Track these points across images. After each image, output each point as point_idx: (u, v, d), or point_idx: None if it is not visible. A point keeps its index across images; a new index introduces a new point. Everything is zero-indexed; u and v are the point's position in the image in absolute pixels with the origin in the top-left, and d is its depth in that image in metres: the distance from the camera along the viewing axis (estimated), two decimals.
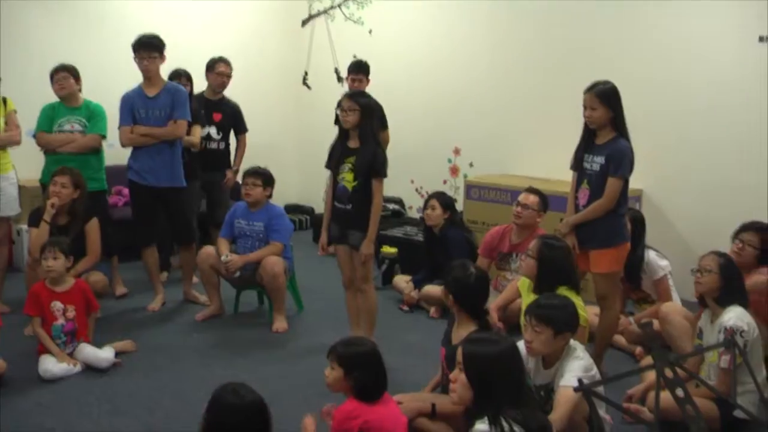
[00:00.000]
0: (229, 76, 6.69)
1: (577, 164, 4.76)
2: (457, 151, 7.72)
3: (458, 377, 2.87)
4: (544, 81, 7.07)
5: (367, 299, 4.95)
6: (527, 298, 4.27)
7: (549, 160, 6.98)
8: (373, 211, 4.69)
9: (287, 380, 4.62)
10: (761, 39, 5.93)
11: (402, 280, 6.25)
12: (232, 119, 6.75)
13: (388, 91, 6.94)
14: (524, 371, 3.00)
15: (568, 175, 6.64)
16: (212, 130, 6.61)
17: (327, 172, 7.22)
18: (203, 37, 7.77)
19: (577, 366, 3.41)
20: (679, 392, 4.10)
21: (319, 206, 8.24)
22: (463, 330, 3.79)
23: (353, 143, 4.75)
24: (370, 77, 6.97)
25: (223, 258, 5.45)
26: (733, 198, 6.09)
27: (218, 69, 6.61)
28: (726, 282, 4.03)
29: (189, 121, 5.71)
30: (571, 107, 6.82)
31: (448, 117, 7.64)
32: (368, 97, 4.76)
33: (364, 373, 3.15)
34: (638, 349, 5.04)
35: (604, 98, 4.55)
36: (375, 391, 3.17)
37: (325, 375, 3.24)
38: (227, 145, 6.74)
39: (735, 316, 3.94)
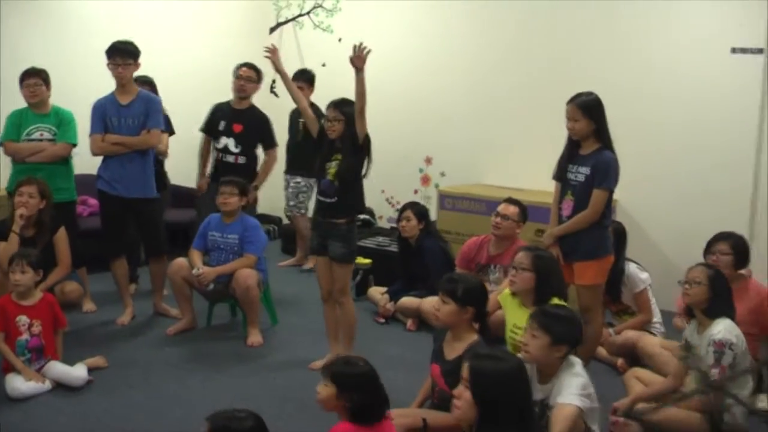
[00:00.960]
0: (250, 80, 6.25)
1: (561, 174, 4.72)
2: (428, 161, 7.67)
3: (462, 394, 2.78)
4: (518, 90, 7.08)
5: (345, 312, 4.86)
6: (515, 312, 4.21)
7: (523, 170, 6.99)
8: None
9: (266, 396, 4.49)
10: (733, 50, 6.00)
11: (377, 292, 6.16)
12: (256, 132, 6.25)
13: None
14: (530, 390, 2.92)
15: (542, 185, 6.70)
16: (230, 142, 6.17)
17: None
18: (169, 43, 7.62)
19: (576, 383, 3.35)
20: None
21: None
22: (460, 343, 3.71)
23: (339, 143, 4.68)
24: (331, 82, 6.82)
25: (194, 271, 5.31)
26: (709, 207, 6.16)
27: (238, 72, 6.29)
28: (715, 294, 4.02)
29: (164, 131, 5.54)
30: (546, 116, 6.85)
31: (420, 125, 7.58)
32: (352, 104, 4.66)
33: (360, 395, 3.03)
34: (620, 361, 5.01)
35: (586, 110, 4.52)
36: (372, 414, 3.06)
37: (317, 391, 3.13)
38: (249, 159, 6.23)
39: (724, 329, 3.94)
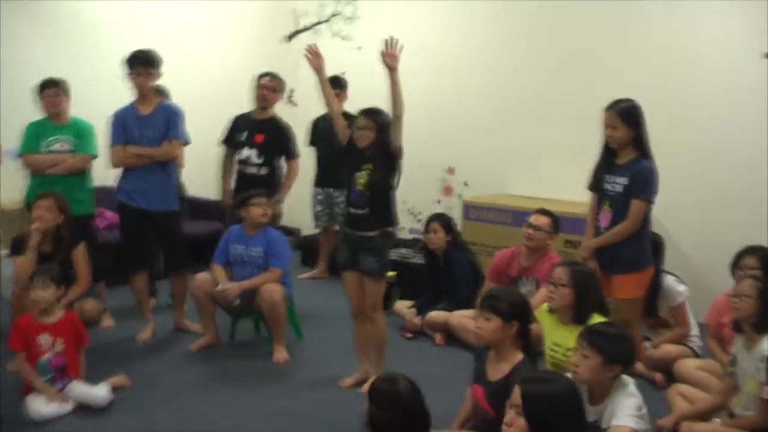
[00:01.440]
0: (272, 90, 6.11)
1: (597, 185, 4.58)
2: (451, 171, 7.52)
3: (515, 421, 2.63)
4: (543, 95, 6.94)
5: (376, 328, 4.72)
6: (554, 329, 4.05)
7: (549, 180, 6.85)
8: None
9: (295, 415, 4.35)
10: (765, 55, 5.85)
11: (403, 306, 6.00)
12: (278, 142, 6.09)
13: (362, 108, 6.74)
14: (584, 412, 2.77)
15: (570, 195, 6.57)
16: (252, 153, 6.02)
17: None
18: (182, 51, 7.46)
19: (631, 404, 3.20)
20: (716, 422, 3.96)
21: (307, 228, 8.01)
22: (505, 363, 3.56)
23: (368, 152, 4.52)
24: (351, 91, 6.93)
25: (219, 287, 5.16)
26: (737, 214, 5.99)
27: (260, 82, 6.14)
28: (764, 308, 3.85)
29: (188, 142, 5.40)
30: (573, 123, 6.76)
31: (442, 135, 7.44)
32: (384, 113, 4.52)
33: (398, 414, 2.95)
34: (658, 376, 4.85)
35: (626, 117, 4.39)
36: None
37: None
38: (271, 171, 6.06)
39: None
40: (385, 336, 4.74)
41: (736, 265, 4.64)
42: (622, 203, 4.40)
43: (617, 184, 4.43)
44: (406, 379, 3.06)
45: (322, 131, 7.15)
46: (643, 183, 4.35)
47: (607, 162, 4.52)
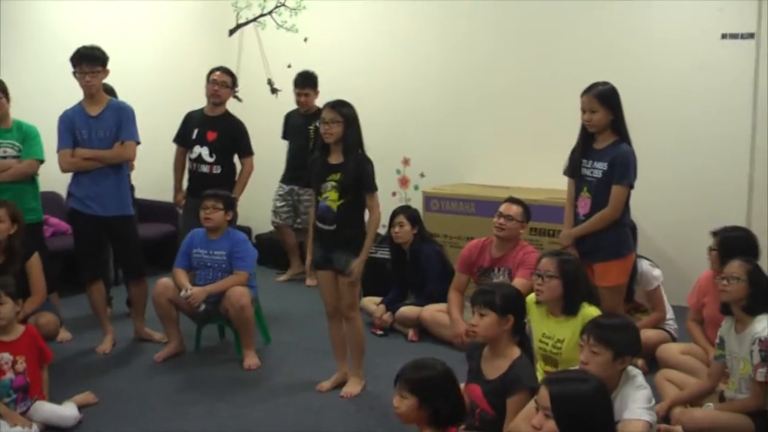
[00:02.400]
0: (225, 85, 5.82)
1: (574, 170, 4.50)
2: (406, 162, 7.38)
3: (544, 424, 2.51)
4: (496, 85, 6.87)
5: (353, 328, 4.57)
6: (542, 321, 3.96)
7: (506, 167, 6.79)
8: (371, 227, 4.38)
9: (277, 424, 4.18)
10: (724, 36, 5.89)
11: (371, 302, 5.85)
12: (231, 140, 5.84)
13: (326, 101, 6.53)
14: (612, 407, 2.67)
15: (526, 182, 6.52)
16: (204, 151, 5.77)
17: (267, 189, 6.89)
18: (124, 49, 7.10)
19: (641, 396, 3.12)
20: (709, 406, 3.95)
21: (258, 226, 7.79)
22: (502, 359, 3.47)
23: (335, 158, 4.37)
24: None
25: (183, 293, 4.92)
26: (706, 197, 6.05)
27: (212, 77, 5.86)
28: (754, 290, 3.82)
29: (138, 142, 5.13)
30: (527, 112, 6.72)
31: (396, 126, 7.28)
32: (351, 106, 4.37)
33: (443, 400, 2.86)
34: (640, 362, 4.79)
35: (605, 100, 4.32)
36: (455, 417, 2.90)
37: (395, 406, 2.92)
38: (225, 169, 5.82)
39: None
40: (363, 335, 4.61)
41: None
42: (601, 189, 4.34)
43: (596, 169, 4.37)
44: (432, 359, 3.03)
45: (292, 127, 6.94)
46: (624, 168, 4.29)
47: (585, 146, 4.44)
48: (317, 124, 6.42)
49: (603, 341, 3.14)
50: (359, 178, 4.30)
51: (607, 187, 4.32)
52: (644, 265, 5.03)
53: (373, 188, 4.34)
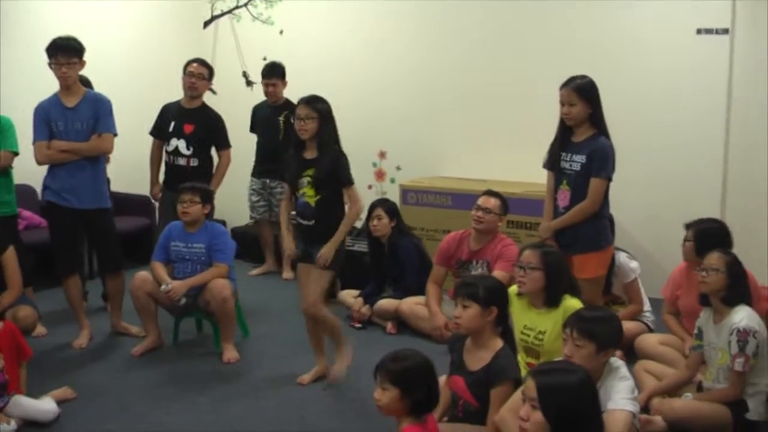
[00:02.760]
0: (201, 77, 5.76)
1: (553, 163, 4.53)
2: (382, 155, 7.37)
3: (531, 415, 2.52)
4: (471, 78, 6.87)
5: (324, 322, 4.55)
6: (524, 313, 3.98)
7: (481, 161, 6.80)
8: (349, 217, 4.39)
9: (259, 417, 4.18)
10: (698, 31, 5.95)
11: (349, 296, 5.85)
12: (208, 132, 5.79)
13: (302, 94, 6.43)
14: (599, 398, 2.69)
15: (504, 175, 6.55)
16: (180, 144, 5.72)
17: (242, 182, 6.86)
18: (99, 41, 7.01)
19: (625, 387, 3.15)
20: (688, 396, 4.00)
21: (233, 219, 7.74)
22: (485, 350, 3.48)
23: (310, 153, 4.37)
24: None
25: (163, 287, 4.89)
26: (673, 188, 6.12)
27: (188, 69, 5.80)
28: (733, 281, 3.88)
29: (116, 134, 5.07)
30: (501, 106, 6.74)
31: (372, 119, 7.26)
32: (325, 101, 4.36)
33: (422, 389, 2.88)
34: (619, 353, 4.82)
35: (583, 93, 4.36)
36: (430, 405, 2.93)
37: (376, 398, 2.91)
38: (202, 162, 5.78)
39: (747, 316, 3.82)
40: (336, 323, 4.61)
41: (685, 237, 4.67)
42: (580, 181, 4.37)
43: (575, 162, 4.40)
44: (409, 350, 3.05)
45: (261, 119, 6.89)
46: (603, 160, 4.32)
47: (563, 140, 4.47)
48: (287, 114, 6.47)
49: (586, 334, 3.16)
50: (334, 173, 4.30)
51: (585, 180, 4.35)
52: (622, 257, 5.09)
53: (349, 182, 4.34)
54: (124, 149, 5.99)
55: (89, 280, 6.17)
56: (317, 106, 4.32)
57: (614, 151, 4.38)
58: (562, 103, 4.38)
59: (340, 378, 4.52)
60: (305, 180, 4.33)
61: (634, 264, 5.10)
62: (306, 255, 4.45)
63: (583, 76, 4.40)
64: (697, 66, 5.96)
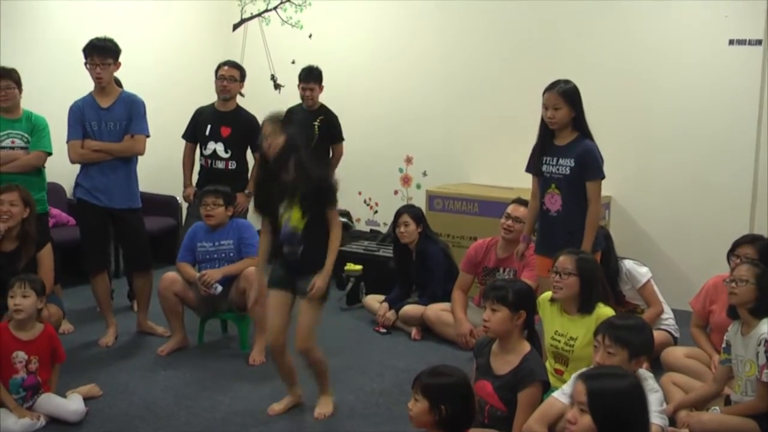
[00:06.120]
0: (233, 80, 5.79)
1: (538, 168, 4.53)
2: (409, 160, 7.38)
3: (579, 419, 2.51)
4: (501, 83, 6.86)
5: (314, 360, 4.10)
6: (555, 318, 3.98)
7: (509, 167, 6.72)
8: (332, 248, 3.97)
9: (288, 420, 4.17)
10: (731, 42, 5.92)
11: (375, 301, 5.85)
12: (245, 135, 5.75)
13: (331, 98, 6.56)
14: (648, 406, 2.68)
15: (529, 182, 6.51)
16: (219, 147, 5.77)
17: None
18: (128, 44, 7.08)
19: (654, 399, 3.15)
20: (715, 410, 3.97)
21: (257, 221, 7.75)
22: (513, 354, 3.49)
23: (287, 176, 3.96)
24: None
25: (197, 275, 4.94)
26: (703, 199, 6.08)
27: (220, 72, 5.83)
28: (762, 293, 3.85)
29: (148, 135, 5.12)
30: (530, 110, 6.64)
31: (399, 124, 7.29)
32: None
33: (451, 406, 2.85)
34: (645, 364, 4.81)
35: (568, 97, 4.38)
36: (463, 425, 2.90)
37: (409, 408, 2.93)
38: (240, 164, 5.83)
39: None
40: (324, 360, 4.17)
41: (733, 251, 4.58)
42: (571, 185, 4.40)
43: (562, 165, 4.41)
44: (451, 367, 3.05)
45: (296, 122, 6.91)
46: (594, 163, 4.37)
47: (544, 144, 4.49)
48: (322, 119, 6.49)
49: (619, 342, 3.16)
50: (319, 194, 3.97)
51: (575, 183, 4.38)
52: (628, 264, 5.08)
53: (334, 204, 4.03)
54: (149, 149, 6.04)
55: (115, 279, 6.20)
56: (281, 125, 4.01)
57: (599, 150, 4.41)
58: (546, 107, 4.40)
59: (328, 414, 4.19)
60: (287, 203, 3.96)
61: (643, 269, 5.07)
62: (286, 283, 4.05)
63: (567, 81, 4.42)
64: (730, 77, 5.93)
